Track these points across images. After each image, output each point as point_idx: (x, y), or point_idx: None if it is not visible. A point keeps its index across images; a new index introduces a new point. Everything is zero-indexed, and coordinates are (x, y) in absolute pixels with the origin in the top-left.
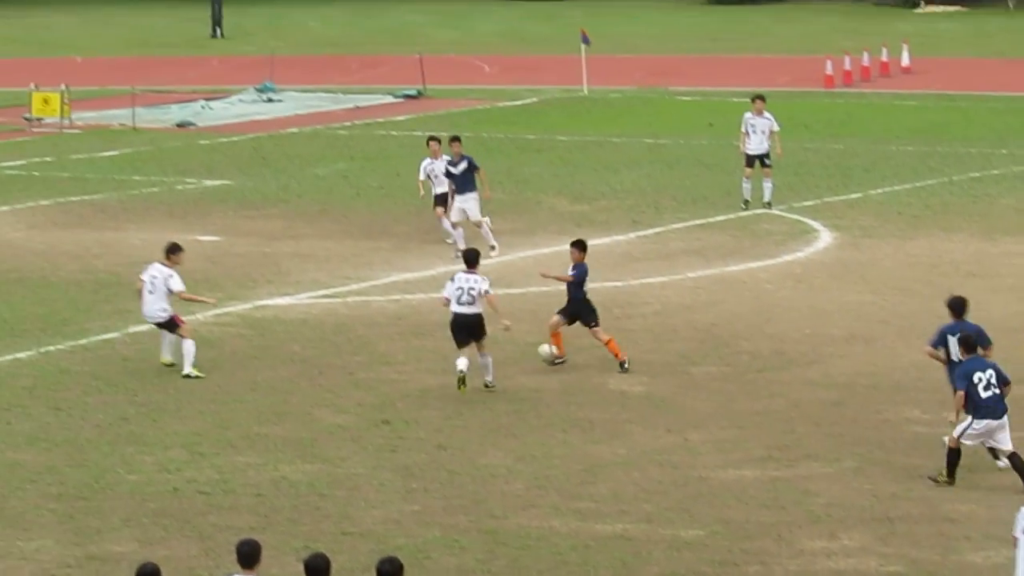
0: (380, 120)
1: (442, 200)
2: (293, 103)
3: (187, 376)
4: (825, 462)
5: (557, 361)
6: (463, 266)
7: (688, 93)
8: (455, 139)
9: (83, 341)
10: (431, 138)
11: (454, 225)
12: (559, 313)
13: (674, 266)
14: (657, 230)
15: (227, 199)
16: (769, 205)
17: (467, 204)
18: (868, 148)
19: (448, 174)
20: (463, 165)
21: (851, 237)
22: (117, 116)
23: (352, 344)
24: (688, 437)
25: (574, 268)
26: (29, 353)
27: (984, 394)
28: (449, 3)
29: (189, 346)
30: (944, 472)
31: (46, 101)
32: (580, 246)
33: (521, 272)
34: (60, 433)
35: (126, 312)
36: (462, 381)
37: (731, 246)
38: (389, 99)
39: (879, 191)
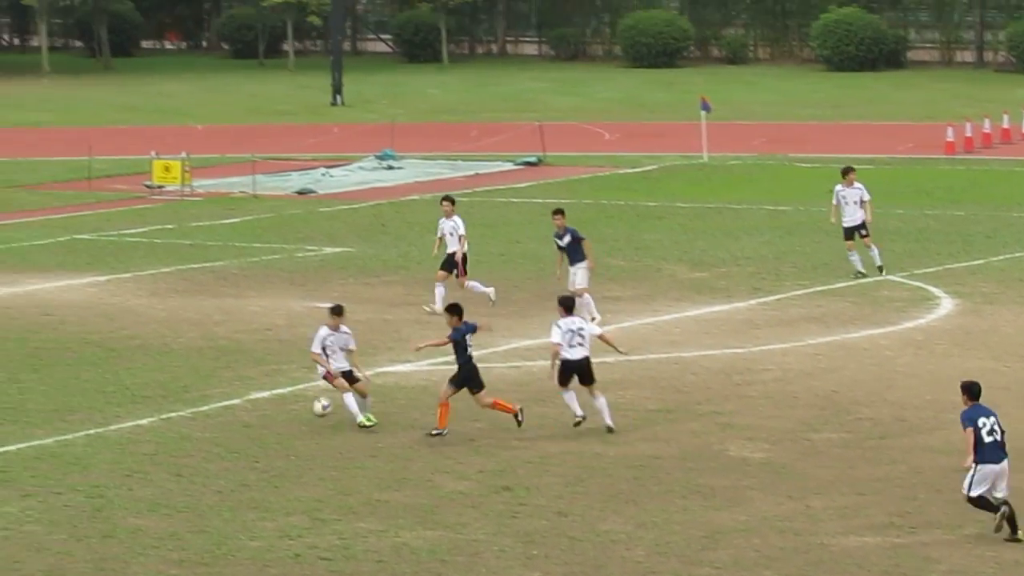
0: (500, 187)
1: (450, 263)
2: (413, 170)
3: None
4: (947, 529)
5: (434, 433)
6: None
7: (808, 160)
8: (558, 212)
9: (204, 408)
10: (444, 198)
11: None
12: (450, 382)
13: (795, 332)
14: (777, 297)
15: (347, 266)
16: (881, 269)
17: (576, 274)
18: (990, 215)
19: (558, 247)
20: (568, 238)
21: (973, 304)
22: (237, 183)
23: (472, 411)
24: (809, 504)
25: (452, 332)
26: (151, 419)
27: (987, 439)
28: (568, 70)
29: (348, 399)
30: (1005, 527)
31: (167, 169)
32: (453, 310)
33: (641, 338)
34: (181, 499)
35: (247, 379)
36: (577, 424)
37: (851, 313)
38: (509, 166)
39: (1001, 258)
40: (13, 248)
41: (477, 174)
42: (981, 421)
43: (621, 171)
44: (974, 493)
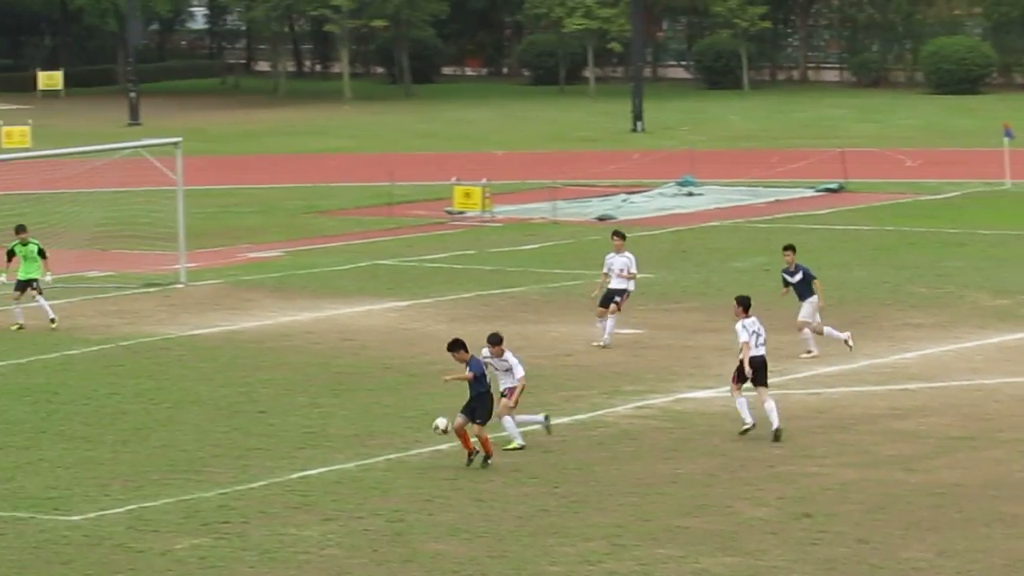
0: (800, 214)
1: (608, 299)
2: (713, 196)
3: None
4: None
5: (470, 460)
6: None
7: None
8: (789, 248)
9: (503, 433)
10: (615, 233)
11: (800, 327)
12: (462, 412)
13: None
14: None
15: (647, 292)
16: None
17: (803, 308)
18: None
19: (785, 283)
20: (799, 275)
21: None
22: (537, 209)
23: (769, 436)
24: None
25: (469, 366)
26: (451, 445)
27: None
28: (869, 97)
29: (508, 423)
30: None
31: (468, 195)
32: (457, 346)
33: (942, 366)
34: (481, 524)
35: (547, 404)
36: (744, 432)
37: None
38: (810, 193)
39: None
40: (315, 273)
41: (777, 200)
42: None
43: (923, 198)
44: None
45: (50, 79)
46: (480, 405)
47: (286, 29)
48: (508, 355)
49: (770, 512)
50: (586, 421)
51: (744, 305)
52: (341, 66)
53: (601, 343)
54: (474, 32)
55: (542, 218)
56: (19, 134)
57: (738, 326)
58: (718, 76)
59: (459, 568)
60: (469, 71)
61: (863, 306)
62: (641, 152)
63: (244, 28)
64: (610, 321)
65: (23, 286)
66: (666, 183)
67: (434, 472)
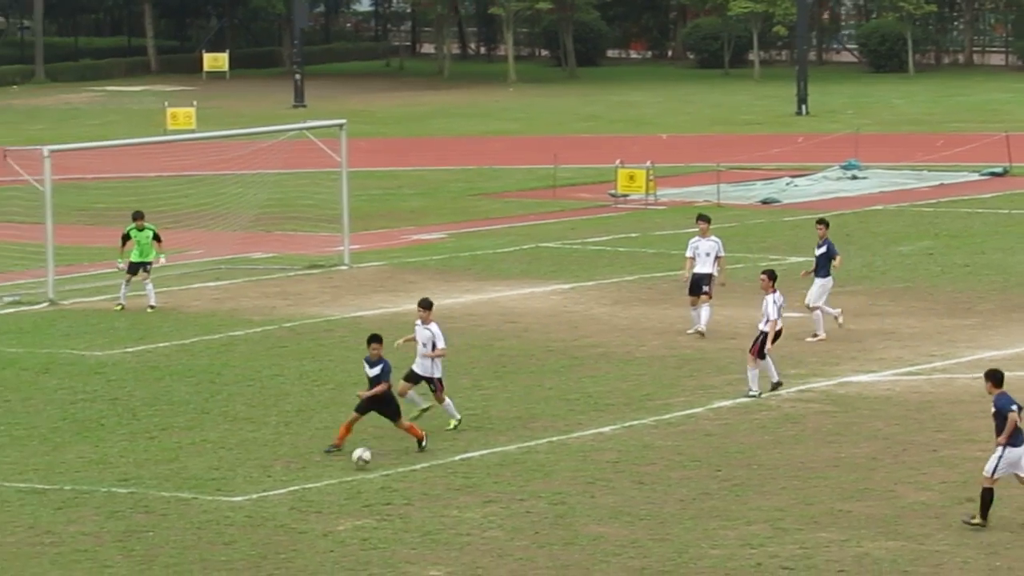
0: (965, 198)
1: (696, 286)
2: (877, 180)
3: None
4: None
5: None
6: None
7: None
8: (822, 222)
9: (667, 416)
10: (699, 216)
11: (811, 309)
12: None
13: None
14: None
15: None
16: None
17: (812, 288)
18: None
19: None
20: (823, 248)
21: None
22: (701, 193)
23: (936, 421)
24: None
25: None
26: (613, 427)
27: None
28: None
29: (448, 404)
30: (978, 515)
31: (632, 178)
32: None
33: None
34: (643, 507)
35: (710, 388)
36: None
37: None
38: (974, 177)
39: None
40: (478, 255)
41: (942, 184)
42: (1014, 406)
43: None
44: (997, 475)
45: (215, 61)
46: (388, 404)
47: (451, 12)
48: (434, 325)
49: (933, 496)
50: (749, 405)
51: (773, 278)
52: (506, 48)
53: (698, 330)
54: (639, 15)
55: (706, 201)
56: (184, 116)
57: (768, 299)
58: (883, 60)
59: (620, 551)
60: (633, 54)
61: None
62: (805, 136)
63: (409, 10)
64: (705, 311)
65: (135, 268)
66: (830, 166)
67: (596, 455)
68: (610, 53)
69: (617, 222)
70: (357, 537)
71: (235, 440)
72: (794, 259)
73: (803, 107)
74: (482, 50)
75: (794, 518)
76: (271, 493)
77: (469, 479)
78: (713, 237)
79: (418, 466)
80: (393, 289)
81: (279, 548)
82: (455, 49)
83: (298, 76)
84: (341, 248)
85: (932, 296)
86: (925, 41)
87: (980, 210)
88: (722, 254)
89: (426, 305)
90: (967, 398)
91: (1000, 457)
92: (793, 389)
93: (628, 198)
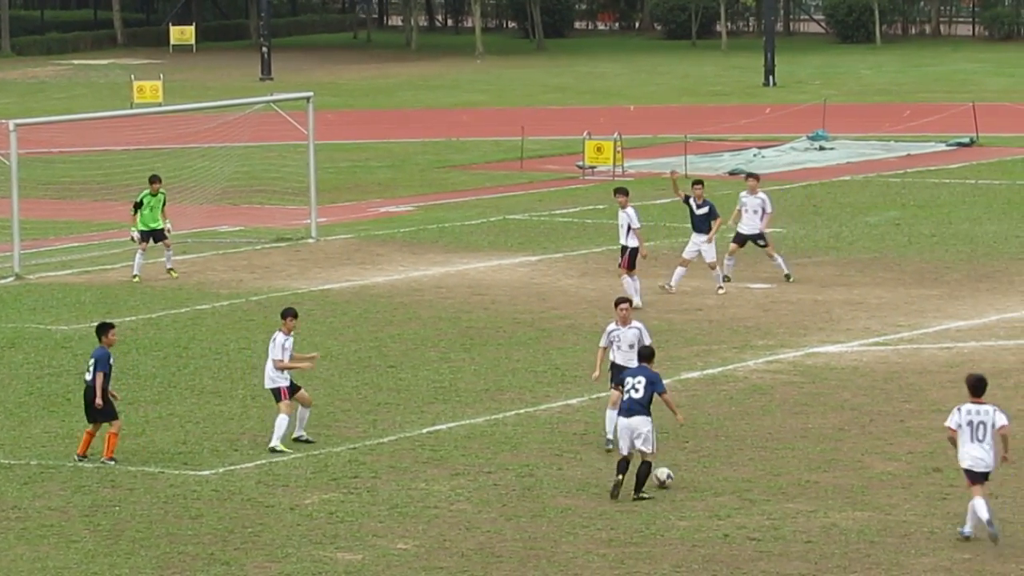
0: (932, 168)
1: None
2: (845, 151)
3: (272, 450)
4: None
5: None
6: None
7: None
8: (699, 183)
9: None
10: (616, 190)
11: (684, 263)
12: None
13: None
14: None
15: (779, 246)
16: None
17: (704, 246)
18: None
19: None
20: (705, 209)
21: None
22: (669, 164)
23: (903, 392)
24: None
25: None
26: (581, 399)
27: None
28: (1002, 51)
29: (281, 421)
30: None
31: (599, 149)
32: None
33: None
34: (611, 479)
35: (677, 359)
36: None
37: None
38: (941, 147)
39: None
40: (446, 228)
41: (909, 155)
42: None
43: None
44: None
45: (182, 34)
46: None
47: None
48: (289, 340)
49: (900, 467)
50: (716, 376)
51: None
52: (473, 20)
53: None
54: None
55: (673, 172)
56: (151, 89)
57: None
58: (851, 30)
59: (588, 523)
60: (601, 26)
61: (994, 260)
62: (773, 107)
63: None
64: (627, 282)
65: (146, 236)
66: (798, 137)
67: (564, 427)
68: (578, 25)
69: (585, 194)
70: (324, 511)
71: (202, 414)
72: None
73: (770, 78)
74: (450, 22)
75: (761, 489)
76: (238, 467)
77: (437, 452)
78: (629, 209)
79: (386, 439)
80: (361, 262)
81: (246, 522)
82: (423, 21)
83: (265, 49)
84: (308, 221)
85: (899, 266)
86: (892, 11)
87: (947, 180)
88: (636, 225)
89: (292, 314)
90: (934, 368)
91: None
92: (761, 360)
93: (596, 170)
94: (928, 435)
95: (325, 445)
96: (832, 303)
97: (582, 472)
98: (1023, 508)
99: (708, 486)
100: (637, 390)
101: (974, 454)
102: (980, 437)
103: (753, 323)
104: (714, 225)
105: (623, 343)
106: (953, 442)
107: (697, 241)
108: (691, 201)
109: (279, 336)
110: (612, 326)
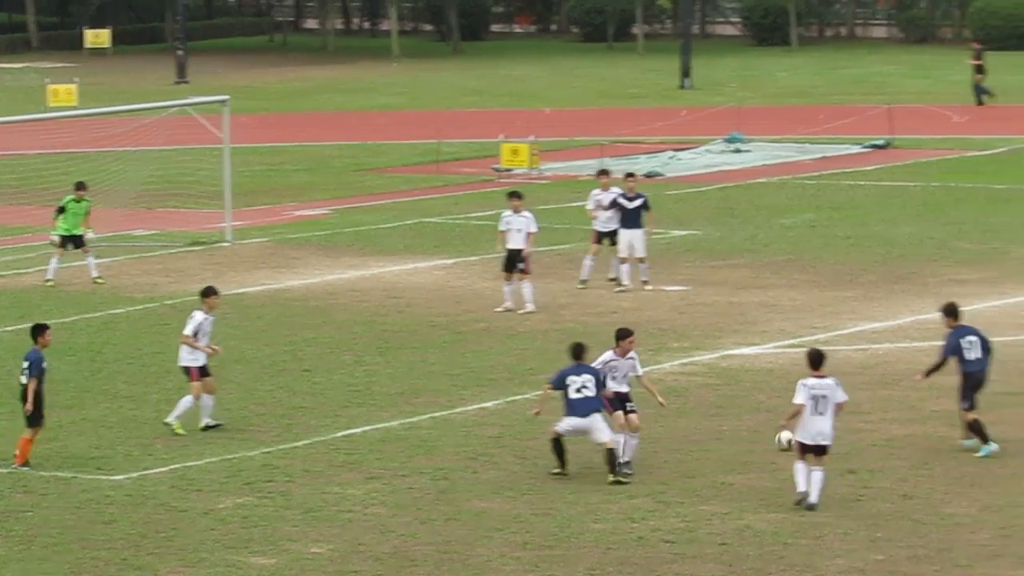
0: (848, 170)
1: (511, 262)
2: (761, 153)
3: (165, 423)
4: None
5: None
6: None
7: None
8: (631, 175)
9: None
10: (511, 193)
11: (622, 260)
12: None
13: None
14: None
15: (694, 249)
16: None
17: (637, 240)
18: None
19: (620, 207)
20: (638, 202)
21: None
22: (585, 167)
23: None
24: None
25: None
26: (496, 402)
27: None
28: (917, 53)
29: (186, 401)
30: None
31: (515, 152)
32: (36, 330)
33: (988, 321)
34: (526, 482)
35: (592, 362)
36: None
37: None
38: (857, 149)
39: None
40: (361, 231)
41: (825, 157)
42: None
43: (970, 154)
44: None
45: (97, 37)
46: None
47: None
48: (209, 319)
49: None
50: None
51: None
52: (390, 23)
53: (506, 307)
54: None
55: (590, 175)
56: (66, 92)
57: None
58: (767, 33)
59: (503, 526)
60: (518, 28)
61: (909, 262)
62: (689, 109)
63: None
64: (527, 288)
65: (66, 241)
66: (714, 140)
67: (479, 430)
68: (495, 28)
69: (501, 197)
70: (238, 515)
71: (116, 418)
72: (677, 232)
73: (687, 80)
74: (366, 25)
75: (676, 491)
76: (152, 471)
77: (352, 456)
78: (525, 212)
79: (300, 443)
80: (276, 265)
81: (160, 526)
82: (339, 24)
83: (181, 52)
84: (223, 224)
85: (815, 268)
86: (808, 14)
87: (863, 182)
88: (533, 229)
89: (212, 292)
90: (849, 370)
91: None
92: (676, 362)
93: (512, 172)
94: (843, 437)
95: (239, 449)
96: (747, 305)
97: (497, 475)
98: (937, 509)
99: (623, 489)
100: (588, 387)
101: (816, 427)
102: (822, 410)
103: (668, 325)
104: (647, 217)
105: (619, 373)
106: (791, 418)
107: (627, 236)
108: (621, 198)
109: (197, 314)
110: (610, 356)
